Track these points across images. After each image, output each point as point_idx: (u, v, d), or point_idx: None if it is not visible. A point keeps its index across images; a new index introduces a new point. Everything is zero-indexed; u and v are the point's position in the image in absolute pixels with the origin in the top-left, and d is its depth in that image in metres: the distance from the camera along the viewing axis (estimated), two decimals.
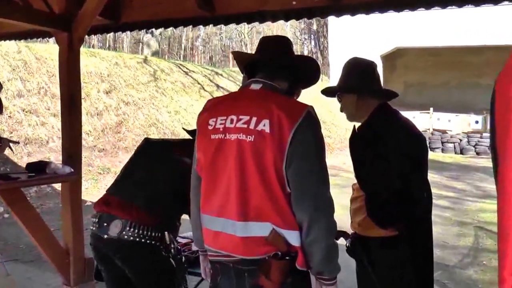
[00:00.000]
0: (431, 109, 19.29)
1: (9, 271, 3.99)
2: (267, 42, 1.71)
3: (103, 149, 9.50)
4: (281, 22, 3.01)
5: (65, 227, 3.27)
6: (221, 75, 17.56)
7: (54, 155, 8.19)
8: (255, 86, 1.58)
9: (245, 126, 1.46)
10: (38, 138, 8.48)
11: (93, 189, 8.03)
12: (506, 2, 2.12)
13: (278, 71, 1.62)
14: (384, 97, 2.04)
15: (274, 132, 1.42)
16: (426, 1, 2.28)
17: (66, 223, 3.24)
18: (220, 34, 37.26)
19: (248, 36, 35.85)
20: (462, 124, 19.29)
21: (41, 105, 9.19)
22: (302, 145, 1.42)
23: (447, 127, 18.93)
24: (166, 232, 2.10)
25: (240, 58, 1.74)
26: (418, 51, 21.00)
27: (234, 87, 16.52)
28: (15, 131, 8.01)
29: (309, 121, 1.45)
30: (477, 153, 17.86)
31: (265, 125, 1.43)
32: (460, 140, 18.53)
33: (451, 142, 18.35)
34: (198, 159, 1.61)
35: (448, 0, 2.24)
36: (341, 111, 2.10)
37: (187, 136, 2.28)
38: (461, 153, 18.02)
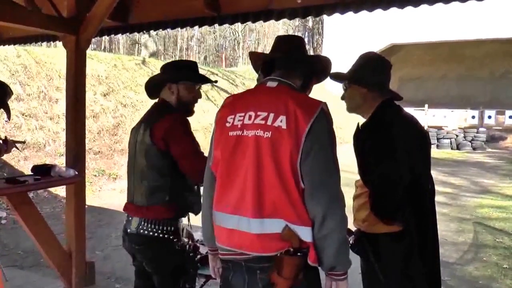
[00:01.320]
0: (426, 105, 19.35)
1: (7, 277, 3.95)
2: (282, 42, 1.75)
3: (99, 151, 9.44)
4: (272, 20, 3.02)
5: (68, 230, 3.27)
6: (216, 74, 17.54)
7: (49, 159, 8.14)
8: (271, 84, 1.62)
9: (263, 122, 1.50)
10: (36, 142, 8.42)
11: (88, 191, 7.97)
12: None
13: (293, 70, 1.67)
14: (392, 97, 2.05)
15: (290, 128, 1.46)
16: None
17: (69, 226, 3.25)
18: (214, 33, 37.24)
19: (241, 33, 35.88)
20: (458, 119, 19.35)
21: (40, 109, 9.14)
22: (317, 140, 1.46)
23: (443, 123, 19.00)
24: (184, 229, 2.21)
25: (256, 58, 1.78)
26: (414, 46, 21.04)
27: (228, 86, 16.53)
28: (13, 137, 7.94)
29: (323, 117, 1.49)
30: (474, 148, 17.95)
31: (282, 121, 1.47)
32: (456, 135, 18.61)
33: (447, 138, 18.43)
34: (215, 156, 1.62)
35: None
36: (342, 99, 2.09)
37: None
38: (458, 148, 18.11)
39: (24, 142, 3.33)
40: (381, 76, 2.01)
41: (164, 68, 2.29)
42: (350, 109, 2.09)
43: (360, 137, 1.99)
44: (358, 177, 2.00)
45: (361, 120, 2.08)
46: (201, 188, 2.05)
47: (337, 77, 2.08)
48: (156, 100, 2.30)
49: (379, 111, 1.97)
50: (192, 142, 2.09)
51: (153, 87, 2.29)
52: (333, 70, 1.75)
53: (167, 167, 2.06)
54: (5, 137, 3.18)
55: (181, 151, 2.05)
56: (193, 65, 2.30)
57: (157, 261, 2.14)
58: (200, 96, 2.29)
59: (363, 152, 1.97)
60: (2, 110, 3.43)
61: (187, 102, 2.22)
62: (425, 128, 18.32)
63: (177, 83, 2.18)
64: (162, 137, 2.03)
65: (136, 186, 2.15)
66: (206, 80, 2.32)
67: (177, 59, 31.88)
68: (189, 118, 2.20)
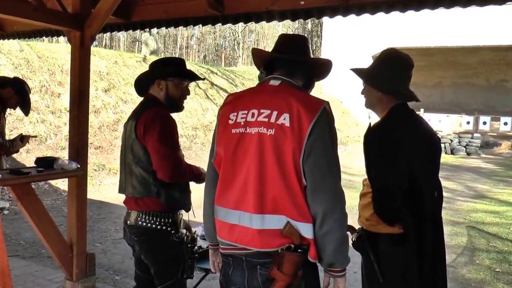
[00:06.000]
0: (422, 110, 19.43)
1: (10, 267, 3.98)
2: (286, 41, 1.75)
3: (99, 146, 9.50)
4: (274, 21, 3.05)
5: (69, 222, 3.30)
6: (216, 73, 17.55)
7: (51, 152, 8.18)
8: (274, 82, 1.63)
9: (266, 119, 1.51)
10: (37, 135, 8.47)
11: (88, 185, 8.00)
12: (511, 2, 2.16)
13: (296, 70, 1.67)
14: (406, 100, 2.06)
15: (293, 126, 1.47)
16: (432, 1, 2.33)
17: (71, 218, 3.27)
18: (214, 33, 37.26)
19: (241, 34, 35.91)
20: (453, 124, 19.44)
21: (42, 103, 9.19)
22: (320, 139, 1.48)
23: (438, 128, 19.06)
24: (182, 220, 2.27)
25: (259, 55, 1.78)
26: (410, 51, 21.07)
27: (228, 86, 16.54)
28: (15, 129, 7.97)
29: (326, 116, 1.51)
30: (468, 154, 18.02)
31: (285, 119, 1.49)
32: (451, 140, 18.70)
33: (441, 143, 18.47)
34: (217, 152, 1.64)
35: (454, 0, 2.28)
36: (362, 93, 2.10)
37: None
38: (452, 153, 18.17)
39: (35, 137, 3.36)
40: (398, 79, 2.00)
41: (153, 65, 2.32)
42: (367, 106, 2.11)
43: (370, 138, 1.99)
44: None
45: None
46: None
47: (357, 72, 2.08)
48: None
49: (391, 115, 1.97)
50: (168, 138, 2.09)
51: (142, 84, 2.32)
52: (331, 72, 1.75)
53: (150, 162, 2.09)
54: (21, 134, 3.20)
55: (152, 144, 2.06)
56: (181, 62, 2.34)
57: (154, 252, 2.19)
58: (188, 93, 2.33)
59: (370, 153, 1.97)
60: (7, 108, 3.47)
61: (175, 98, 2.26)
62: None
63: (166, 79, 2.22)
64: (143, 131, 2.07)
65: (127, 179, 2.21)
66: (193, 77, 2.36)
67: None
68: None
